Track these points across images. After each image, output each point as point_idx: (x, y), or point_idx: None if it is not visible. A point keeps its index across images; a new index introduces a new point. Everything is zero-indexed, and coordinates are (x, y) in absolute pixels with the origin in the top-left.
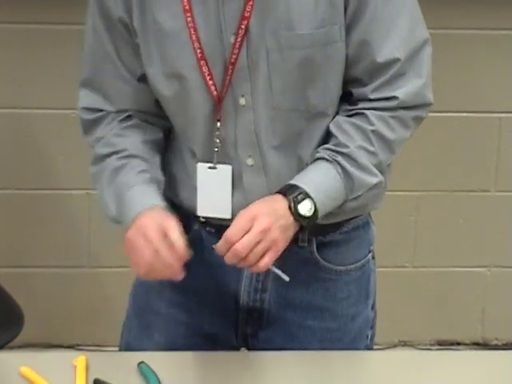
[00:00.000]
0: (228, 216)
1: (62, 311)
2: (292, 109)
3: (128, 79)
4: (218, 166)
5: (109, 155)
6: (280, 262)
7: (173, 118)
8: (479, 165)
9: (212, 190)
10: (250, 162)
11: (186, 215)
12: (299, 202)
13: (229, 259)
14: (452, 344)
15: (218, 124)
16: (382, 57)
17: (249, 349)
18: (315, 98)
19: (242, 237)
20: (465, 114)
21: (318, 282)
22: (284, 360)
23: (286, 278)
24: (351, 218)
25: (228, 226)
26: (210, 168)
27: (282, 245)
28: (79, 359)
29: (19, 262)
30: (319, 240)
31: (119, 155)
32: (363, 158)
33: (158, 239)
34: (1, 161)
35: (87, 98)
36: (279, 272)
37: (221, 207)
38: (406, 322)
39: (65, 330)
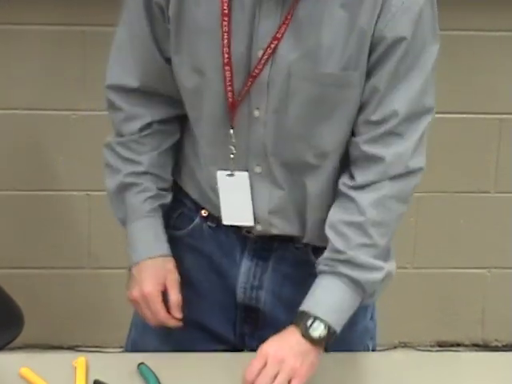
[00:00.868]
0: (251, 223)
1: (62, 312)
2: (299, 137)
3: (157, 58)
4: (235, 172)
5: (123, 160)
6: (276, 261)
7: (188, 109)
8: (479, 166)
9: (233, 197)
10: (258, 169)
11: (190, 204)
12: (310, 327)
13: None
14: (452, 345)
15: (231, 131)
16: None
17: (245, 348)
18: (325, 135)
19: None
20: (465, 116)
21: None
22: None
23: None
24: None
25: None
26: (228, 176)
27: (304, 371)
28: (79, 360)
29: (19, 262)
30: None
31: (133, 169)
32: (362, 257)
33: (160, 309)
34: (1, 162)
35: (114, 75)
36: None
37: (243, 215)
38: (406, 323)
39: (65, 331)
